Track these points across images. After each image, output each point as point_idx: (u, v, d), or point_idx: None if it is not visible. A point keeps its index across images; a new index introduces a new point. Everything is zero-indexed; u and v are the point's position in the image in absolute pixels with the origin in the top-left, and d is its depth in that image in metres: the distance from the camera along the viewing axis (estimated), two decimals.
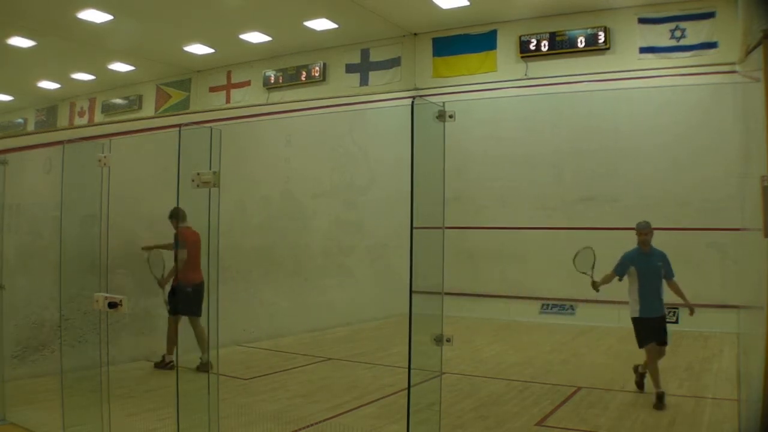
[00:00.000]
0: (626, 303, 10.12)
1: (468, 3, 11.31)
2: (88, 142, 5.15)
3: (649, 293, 5.98)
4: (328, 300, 10.11)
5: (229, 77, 15.71)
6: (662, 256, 6.05)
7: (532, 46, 11.78)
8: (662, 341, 6.02)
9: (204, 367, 6.32)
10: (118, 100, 17.69)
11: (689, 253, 10.10)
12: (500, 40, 12.16)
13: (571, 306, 10.97)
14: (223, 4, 11.66)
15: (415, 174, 3.75)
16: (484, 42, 12.29)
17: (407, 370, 3.82)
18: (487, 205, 11.75)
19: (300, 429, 5.16)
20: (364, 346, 8.91)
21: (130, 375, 6.82)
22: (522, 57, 11.90)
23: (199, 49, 14.55)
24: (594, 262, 6.22)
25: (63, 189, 4.77)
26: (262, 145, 9.75)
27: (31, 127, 19.63)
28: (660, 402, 5.66)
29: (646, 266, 5.98)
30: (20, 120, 20.33)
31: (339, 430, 5.22)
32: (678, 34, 10.68)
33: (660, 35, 10.81)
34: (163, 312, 7.55)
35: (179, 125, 4.08)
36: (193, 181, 3.87)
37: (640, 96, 10.70)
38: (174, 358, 6.74)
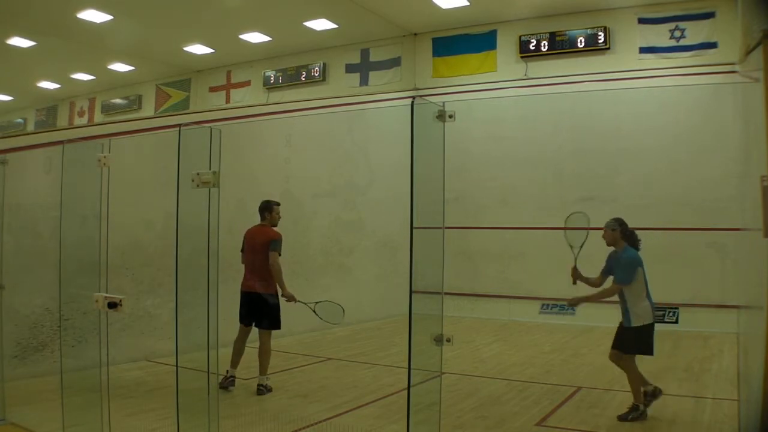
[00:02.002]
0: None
1: (468, 3, 11.31)
2: (88, 142, 5.15)
3: None
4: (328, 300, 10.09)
5: (229, 77, 15.71)
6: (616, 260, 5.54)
7: (532, 46, 11.78)
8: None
9: (264, 389, 6.23)
10: (118, 100, 17.69)
11: (689, 253, 10.11)
12: (500, 40, 12.16)
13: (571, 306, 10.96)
14: (223, 4, 11.65)
15: (415, 174, 3.75)
16: (484, 42, 12.29)
17: (407, 370, 3.82)
18: (487, 205, 11.73)
19: (300, 429, 5.16)
20: (364, 346, 8.91)
21: (130, 375, 6.82)
22: (522, 57, 11.90)
23: (199, 49, 14.55)
24: (585, 238, 5.63)
25: (63, 189, 4.76)
26: (262, 145, 9.74)
27: (31, 127, 19.63)
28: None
29: None
30: (20, 120, 20.33)
31: (339, 430, 5.22)
32: (678, 34, 10.68)
33: (660, 35, 10.81)
34: (163, 312, 7.55)
35: (179, 125, 4.08)
36: (192, 181, 3.87)
37: (640, 96, 10.69)
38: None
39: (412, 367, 3.83)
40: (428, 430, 3.98)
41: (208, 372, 4.02)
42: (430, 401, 4.03)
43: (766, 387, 3.17)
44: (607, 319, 10.26)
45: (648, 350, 5.40)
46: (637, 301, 5.35)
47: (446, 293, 4.01)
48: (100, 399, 4.47)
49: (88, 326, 4.75)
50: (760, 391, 3.21)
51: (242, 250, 6.54)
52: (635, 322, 5.33)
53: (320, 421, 5.34)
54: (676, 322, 10.07)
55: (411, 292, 3.78)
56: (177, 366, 4.10)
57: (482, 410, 5.73)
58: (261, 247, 6.39)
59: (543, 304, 11.20)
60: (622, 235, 5.58)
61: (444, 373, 4.12)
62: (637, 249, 5.57)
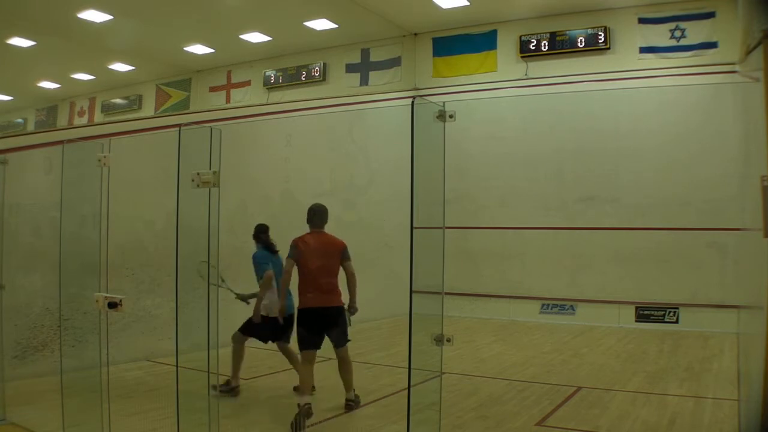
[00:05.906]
0: (626, 303, 10.11)
1: (468, 3, 11.31)
2: (88, 141, 5.14)
3: None
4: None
5: (229, 77, 15.71)
6: None
7: (532, 46, 11.78)
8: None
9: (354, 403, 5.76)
10: (118, 100, 17.70)
11: (689, 253, 10.12)
12: (500, 40, 12.17)
13: (571, 306, 10.98)
14: (223, 4, 11.66)
15: (415, 174, 3.75)
16: (484, 42, 12.29)
17: (407, 370, 3.83)
18: (487, 205, 11.74)
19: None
20: (364, 346, 8.90)
21: (130, 375, 6.82)
22: (522, 57, 11.90)
23: (199, 49, 14.55)
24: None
25: (63, 189, 4.76)
26: (262, 145, 9.74)
27: (31, 127, 19.64)
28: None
29: None
30: (20, 120, 20.34)
31: (339, 430, 5.21)
32: (678, 34, 10.68)
33: (660, 35, 10.82)
34: (163, 312, 7.55)
35: (179, 125, 4.08)
36: (193, 180, 3.87)
37: (640, 96, 10.70)
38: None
39: (412, 367, 3.83)
40: (428, 430, 3.99)
41: (208, 372, 4.02)
42: (430, 401, 4.03)
43: (766, 387, 3.17)
44: (606, 318, 10.36)
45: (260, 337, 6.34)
46: (268, 294, 6.17)
47: (446, 293, 4.01)
48: (100, 399, 4.47)
49: (88, 326, 4.75)
50: (760, 391, 3.21)
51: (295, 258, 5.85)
52: (263, 311, 6.16)
53: (320, 421, 5.33)
54: (677, 322, 10.08)
55: (411, 292, 3.78)
56: (177, 366, 4.10)
57: (482, 410, 5.72)
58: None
59: (543, 304, 11.21)
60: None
61: (444, 373, 4.12)
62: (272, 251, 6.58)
